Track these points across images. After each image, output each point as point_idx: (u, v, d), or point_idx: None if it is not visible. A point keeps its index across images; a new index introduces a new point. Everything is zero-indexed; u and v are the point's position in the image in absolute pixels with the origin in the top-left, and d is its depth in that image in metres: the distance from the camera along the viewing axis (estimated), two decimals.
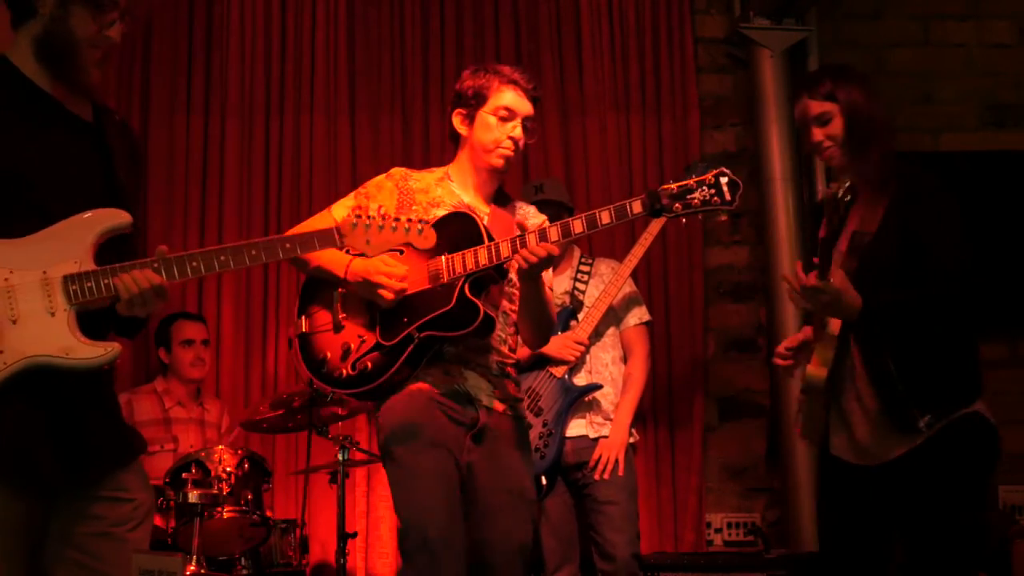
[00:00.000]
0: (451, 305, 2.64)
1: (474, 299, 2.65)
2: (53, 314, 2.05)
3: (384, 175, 2.89)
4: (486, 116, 2.81)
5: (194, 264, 2.14)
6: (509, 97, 2.81)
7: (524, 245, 2.59)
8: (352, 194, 2.89)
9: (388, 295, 2.64)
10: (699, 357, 4.95)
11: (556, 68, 5.06)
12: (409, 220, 2.28)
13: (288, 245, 2.22)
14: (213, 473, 3.87)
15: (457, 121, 2.86)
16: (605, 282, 4.03)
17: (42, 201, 2.08)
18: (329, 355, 2.74)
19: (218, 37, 4.97)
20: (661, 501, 4.82)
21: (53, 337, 2.04)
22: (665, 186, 2.62)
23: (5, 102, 2.10)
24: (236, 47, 4.97)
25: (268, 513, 4.02)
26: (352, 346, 2.72)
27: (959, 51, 5.29)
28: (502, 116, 2.80)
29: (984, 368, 2.71)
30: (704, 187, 2.60)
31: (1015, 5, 5.28)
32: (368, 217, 2.25)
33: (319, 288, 2.81)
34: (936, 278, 2.61)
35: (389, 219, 2.26)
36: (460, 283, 2.65)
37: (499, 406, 2.77)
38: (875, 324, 2.62)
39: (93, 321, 2.11)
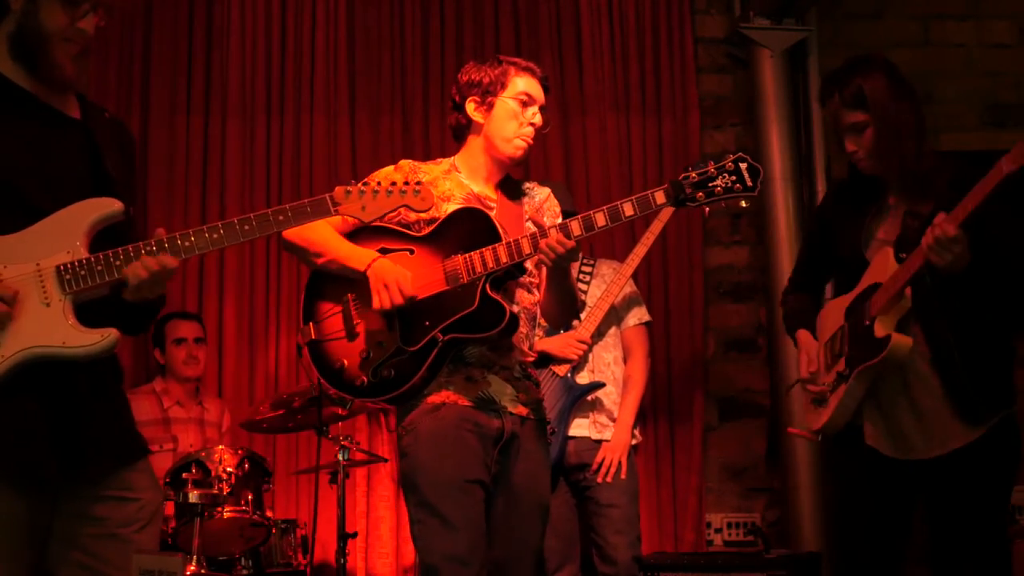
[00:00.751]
0: (475, 306, 2.59)
1: (498, 298, 2.61)
2: (48, 305, 2.04)
3: (393, 167, 2.82)
4: (507, 101, 2.76)
5: (187, 243, 2.13)
6: (527, 83, 2.79)
7: (544, 237, 2.55)
8: (359, 183, 2.80)
9: (385, 304, 2.57)
10: (699, 357, 4.95)
11: (556, 68, 5.06)
12: (405, 183, 2.30)
13: (282, 217, 2.20)
14: (213, 473, 3.87)
15: (471, 108, 2.79)
16: (607, 282, 4.03)
17: (29, 197, 2.07)
18: (346, 363, 2.66)
19: (218, 37, 4.97)
20: (661, 501, 4.82)
21: (49, 327, 2.03)
22: (685, 175, 2.57)
23: None
24: (236, 47, 4.97)
25: (268, 513, 4.02)
26: (371, 353, 2.64)
27: (959, 51, 5.29)
28: (523, 100, 2.77)
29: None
30: (725, 174, 2.56)
31: (1015, 5, 5.28)
32: (362, 184, 2.27)
33: (324, 292, 2.74)
34: (1007, 268, 2.60)
35: (384, 184, 2.28)
36: (481, 283, 2.60)
37: (523, 410, 2.72)
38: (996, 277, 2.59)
39: (96, 317, 2.10)
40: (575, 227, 2.56)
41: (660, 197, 2.57)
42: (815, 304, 3.04)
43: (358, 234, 2.75)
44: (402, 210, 2.57)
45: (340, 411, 4.14)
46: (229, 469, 3.89)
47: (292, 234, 2.70)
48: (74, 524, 2.10)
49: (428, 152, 4.93)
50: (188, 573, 3.58)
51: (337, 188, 2.26)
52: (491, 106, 2.78)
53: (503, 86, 2.77)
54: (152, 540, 2.20)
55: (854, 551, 2.78)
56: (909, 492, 2.70)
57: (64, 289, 2.05)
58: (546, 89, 2.84)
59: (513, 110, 2.77)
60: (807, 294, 3.07)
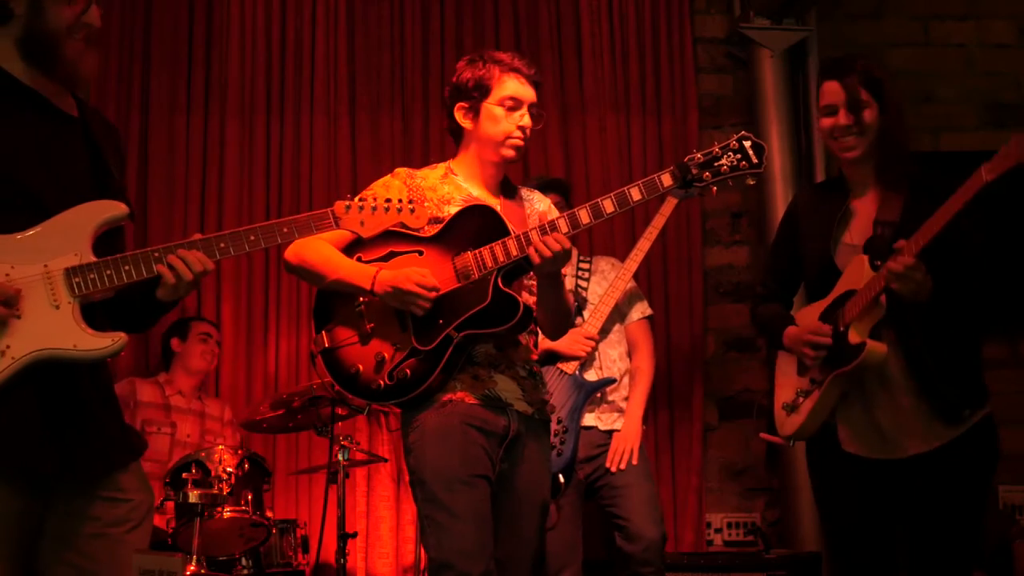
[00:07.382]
0: (488, 301, 2.57)
1: (511, 292, 2.59)
2: (57, 307, 2.04)
3: (389, 175, 2.81)
4: (492, 108, 2.73)
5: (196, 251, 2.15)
6: (513, 86, 2.74)
7: (555, 230, 2.53)
8: (357, 198, 2.81)
9: (426, 304, 2.57)
10: (699, 357, 4.95)
11: (556, 68, 5.06)
12: (400, 200, 2.36)
13: (286, 229, 2.24)
14: (213, 473, 3.87)
15: (460, 115, 2.77)
16: (607, 278, 4.04)
17: (36, 194, 2.07)
18: (361, 368, 2.64)
19: (218, 37, 4.98)
20: (661, 501, 4.81)
21: (59, 330, 2.03)
22: (690, 156, 2.57)
23: None
24: (236, 47, 4.97)
25: (268, 513, 4.02)
26: (386, 356, 2.62)
27: (959, 51, 5.30)
28: (508, 107, 2.73)
29: (984, 368, 2.73)
30: (730, 153, 2.57)
31: (1015, 5, 5.29)
32: (360, 200, 2.33)
33: (335, 300, 2.72)
34: (973, 272, 2.65)
35: (380, 200, 2.35)
36: (493, 277, 2.58)
37: (528, 409, 2.71)
38: (955, 304, 2.64)
39: (95, 316, 2.11)
40: (584, 215, 2.54)
41: (667, 179, 2.55)
42: (787, 314, 2.98)
43: (366, 239, 2.72)
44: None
45: (340, 411, 4.15)
46: (229, 469, 3.89)
47: (294, 256, 2.70)
48: (69, 523, 2.10)
49: (428, 151, 4.94)
50: (188, 573, 3.58)
51: (337, 203, 2.31)
52: (477, 112, 2.75)
53: (488, 91, 2.74)
54: (143, 541, 2.19)
55: (849, 557, 2.79)
56: (890, 492, 2.72)
57: (73, 291, 2.06)
58: (536, 84, 2.79)
59: (499, 116, 2.73)
60: (779, 303, 3.02)
